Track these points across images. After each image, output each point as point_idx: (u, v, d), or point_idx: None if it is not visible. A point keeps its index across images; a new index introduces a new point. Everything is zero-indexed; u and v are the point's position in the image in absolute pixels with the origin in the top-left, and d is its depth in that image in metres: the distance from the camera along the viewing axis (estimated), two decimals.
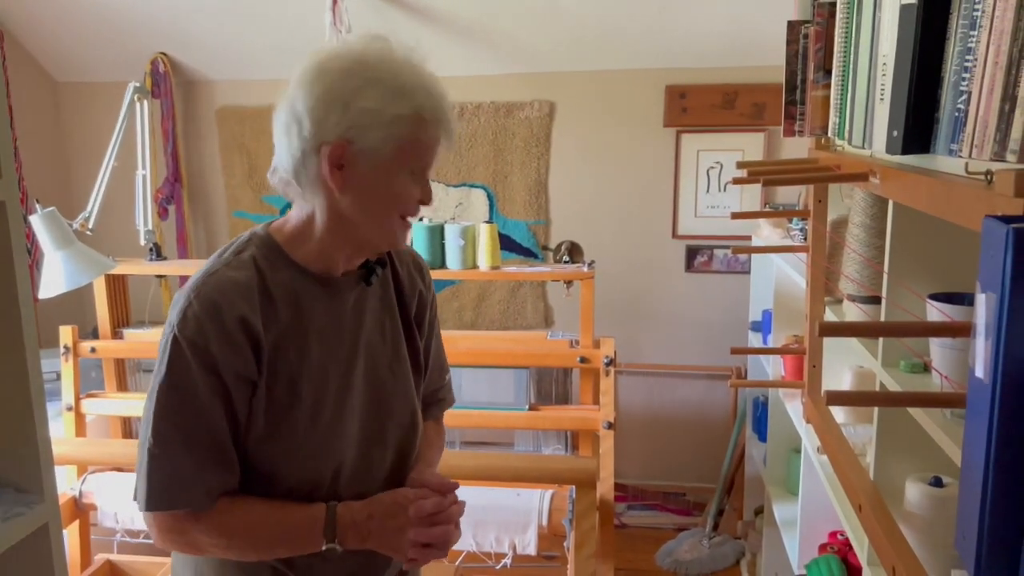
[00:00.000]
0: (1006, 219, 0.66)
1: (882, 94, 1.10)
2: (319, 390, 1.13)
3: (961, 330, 0.82)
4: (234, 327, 1.06)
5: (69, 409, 2.68)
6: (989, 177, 0.78)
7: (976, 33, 0.83)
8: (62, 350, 2.67)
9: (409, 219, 1.16)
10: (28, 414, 0.84)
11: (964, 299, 1.05)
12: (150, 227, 2.94)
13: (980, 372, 0.68)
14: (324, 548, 1.11)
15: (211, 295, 1.07)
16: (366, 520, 1.13)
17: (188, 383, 1.06)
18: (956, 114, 0.87)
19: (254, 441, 1.11)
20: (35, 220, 2.20)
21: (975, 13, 0.83)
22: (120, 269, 2.66)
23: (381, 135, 1.06)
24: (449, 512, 1.17)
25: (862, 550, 1.41)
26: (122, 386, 2.87)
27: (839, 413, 1.68)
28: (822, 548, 1.94)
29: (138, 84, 2.79)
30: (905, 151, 0.99)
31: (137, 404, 2.50)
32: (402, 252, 1.32)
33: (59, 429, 2.66)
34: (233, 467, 1.10)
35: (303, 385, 1.12)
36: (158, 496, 1.07)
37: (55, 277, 2.22)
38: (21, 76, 3.51)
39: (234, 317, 1.06)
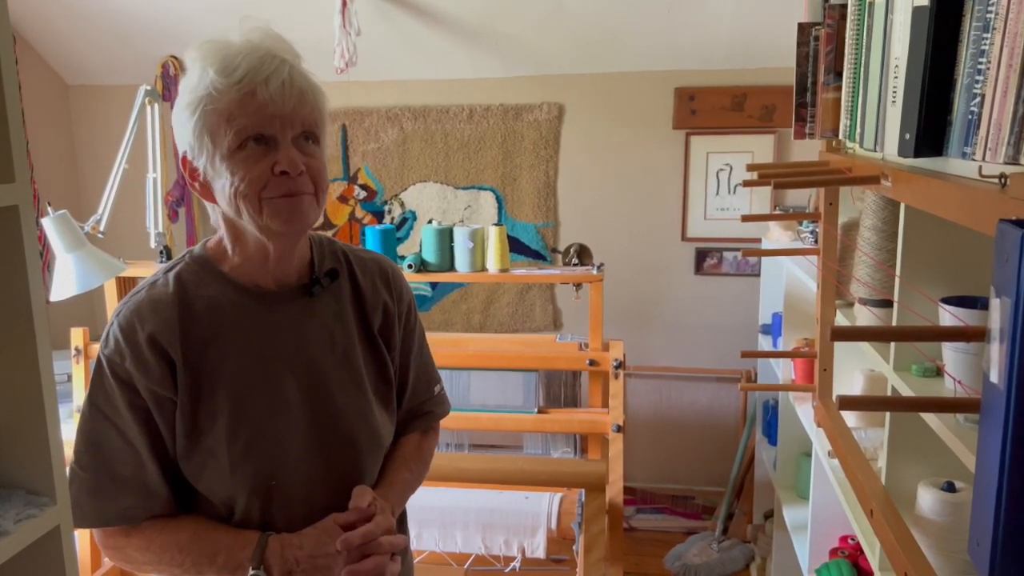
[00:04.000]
0: (1020, 223, 0.66)
1: (894, 97, 1.10)
2: (240, 405, 1.10)
3: (975, 334, 0.82)
4: (146, 346, 1.08)
5: (79, 411, 2.69)
6: (1003, 180, 0.78)
7: (989, 35, 0.82)
8: (73, 352, 2.68)
9: (286, 193, 1.05)
10: (40, 417, 0.84)
11: (977, 303, 1.04)
12: (161, 230, 2.94)
13: (995, 377, 0.67)
14: (251, 574, 1.08)
15: (128, 315, 1.10)
16: (296, 549, 1.09)
17: (108, 401, 1.09)
18: (969, 117, 0.87)
19: (180, 457, 1.11)
20: (47, 223, 2.21)
21: (988, 15, 0.83)
22: (131, 271, 2.67)
23: (190, 129, 1.05)
24: (379, 543, 1.10)
25: (873, 555, 1.41)
26: None
27: (850, 417, 1.67)
28: (833, 552, 1.93)
29: (149, 87, 2.80)
30: (917, 154, 0.98)
31: None
32: (367, 261, 1.26)
33: (70, 431, 2.66)
34: (151, 488, 1.10)
35: (221, 400, 1.10)
36: (72, 511, 1.07)
37: (67, 280, 2.23)
38: (33, 79, 3.53)
39: (146, 335, 1.08)
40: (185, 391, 1.09)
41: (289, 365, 1.14)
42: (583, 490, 2.09)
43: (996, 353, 0.67)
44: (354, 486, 1.18)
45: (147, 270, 2.78)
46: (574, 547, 2.12)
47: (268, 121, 1.03)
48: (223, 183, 1.06)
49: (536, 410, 2.62)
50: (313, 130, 1.08)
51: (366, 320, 1.22)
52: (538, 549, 2.19)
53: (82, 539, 2.53)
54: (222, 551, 1.10)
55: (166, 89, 3.52)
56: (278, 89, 1.02)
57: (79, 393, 2.69)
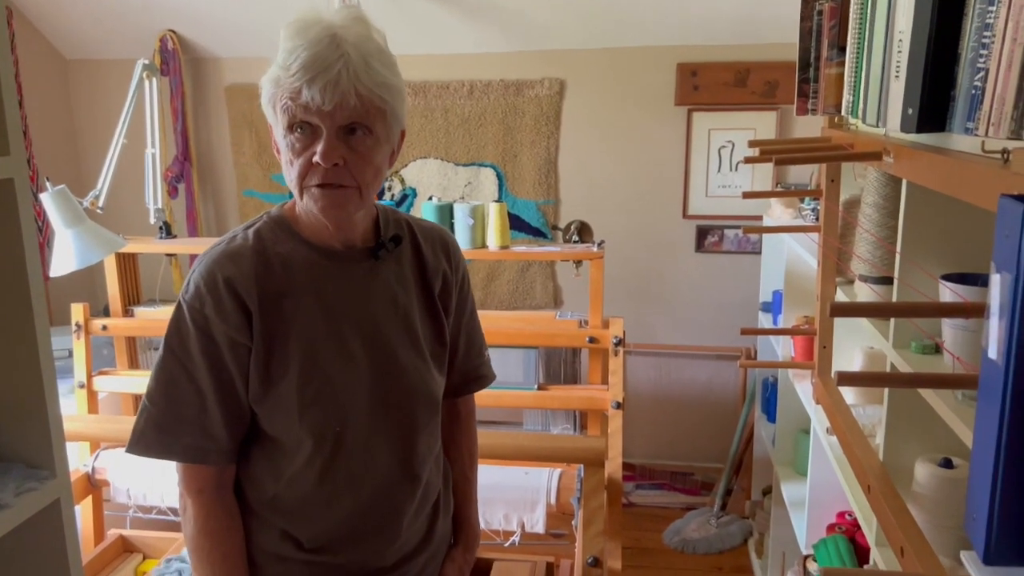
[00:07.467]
0: (1022, 198, 0.65)
1: (897, 72, 1.09)
2: (311, 355, 1.17)
3: (974, 311, 0.82)
4: (225, 292, 1.14)
5: (81, 386, 2.70)
6: (1006, 156, 0.77)
7: (994, 9, 0.81)
8: (74, 328, 2.69)
9: (321, 183, 1.11)
10: (39, 391, 0.85)
11: (978, 280, 1.04)
12: (160, 205, 2.94)
13: (993, 353, 0.67)
14: None
15: (209, 265, 1.17)
16: None
17: (183, 345, 1.16)
18: (973, 92, 0.86)
19: (253, 401, 1.17)
20: (45, 198, 2.21)
21: None
22: (130, 247, 2.67)
23: (266, 101, 1.13)
24: None
25: (870, 531, 1.42)
26: (133, 363, 2.88)
27: (849, 394, 1.67)
28: (830, 528, 1.94)
29: (147, 62, 2.78)
30: (920, 129, 0.97)
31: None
32: (428, 230, 1.34)
33: (71, 406, 2.68)
34: (211, 432, 1.17)
35: (293, 349, 1.17)
36: (136, 440, 1.17)
37: (66, 255, 2.23)
38: (30, 54, 3.51)
39: (224, 282, 1.14)
40: (260, 338, 1.15)
41: (355, 321, 1.21)
42: (582, 466, 2.10)
43: (995, 329, 0.67)
44: (409, 439, 1.26)
45: (146, 246, 2.78)
46: (573, 522, 2.13)
47: (311, 113, 1.08)
48: (282, 159, 1.15)
49: (536, 387, 2.63)
50: (360, 122, 1.10)
51: (427, 285, 1.30)
52: (538, 524, 2.21)
53: (84, 513, 2.56)
54: None
55: (164, 63, 3.50)
56: (318, 92, 1.06)
57: (80, 368, 2.70)
